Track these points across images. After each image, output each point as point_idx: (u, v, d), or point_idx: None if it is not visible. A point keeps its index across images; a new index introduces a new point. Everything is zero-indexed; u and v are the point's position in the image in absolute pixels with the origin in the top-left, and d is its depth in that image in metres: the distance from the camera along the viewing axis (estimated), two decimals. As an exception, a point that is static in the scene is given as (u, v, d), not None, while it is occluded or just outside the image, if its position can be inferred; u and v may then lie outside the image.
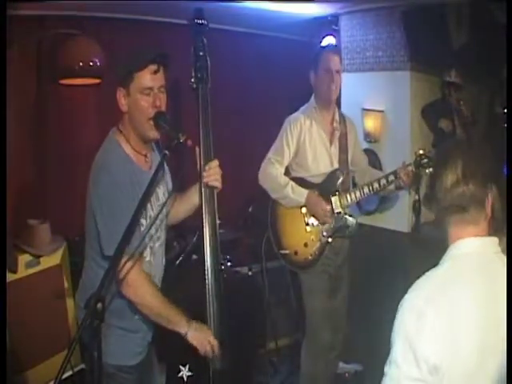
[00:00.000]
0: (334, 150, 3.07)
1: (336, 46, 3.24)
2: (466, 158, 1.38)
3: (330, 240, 3.01)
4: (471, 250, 1.36)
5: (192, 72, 2.06)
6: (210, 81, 2.07)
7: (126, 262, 1.70)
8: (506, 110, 3.07)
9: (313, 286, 3.07)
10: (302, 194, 2.96)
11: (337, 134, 3.09)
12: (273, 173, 2.98)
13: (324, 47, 3.34)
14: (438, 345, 1.24)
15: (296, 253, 3.02)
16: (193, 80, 2.06)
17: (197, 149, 2.03)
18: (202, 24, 2.08)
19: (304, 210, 3.01)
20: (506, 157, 1.69)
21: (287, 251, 3.03)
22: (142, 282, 1.86)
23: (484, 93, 3.61)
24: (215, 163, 2.03)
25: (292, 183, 2.98)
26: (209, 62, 2.08)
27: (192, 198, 2.13)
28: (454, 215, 1.38)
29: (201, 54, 2.06)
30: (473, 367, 1.26)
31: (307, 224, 3.02)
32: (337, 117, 3.12)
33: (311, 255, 3.00)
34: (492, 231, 1.38)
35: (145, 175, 1.91)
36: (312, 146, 3.03)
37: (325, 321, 3.06)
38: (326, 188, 3.01)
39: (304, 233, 3.02)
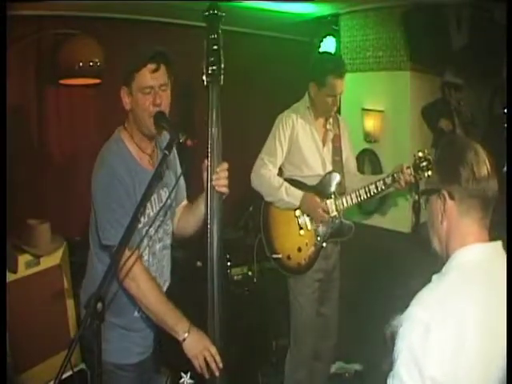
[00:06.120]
0: (327, 151, 2.97)
1: (342, 68, 2.83)
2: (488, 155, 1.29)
3: (324, 245, 2.92)
4: (478, 258, 1.26)
5: (204, 68, 1.90)
6: (222, 78, 1.91)
7: (128, 257, 1.70)
8: (506, 110, 3.08)
9: (301, 292, 2.97)
10: (296, 196, 2.86)
11: (330, 135, 2.99)
12: (266, 175, 2.86)
13: (331, 68, 2.83)
14: (444, 362, 1.18)
15: (289, 257, 2.91)
16: (204, 77, 1.91)
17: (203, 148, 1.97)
18: (218, 14, 1.90)
19: (298, 212, 2.91)
20: (506, 157, 1.70)
21: (280, 255, 2.91)
22: (144, 278, 1.84)
23: (484, 93, 3.61)
24: (225, 166, 1.92)
25: (286, 184, 2.87)
26: (222, 58, 1.91)
27: (201, 208, 2.01)
28: (473, 210, 1.27)
29: (215, 47, 1.90)
30: (477, 381, 1.22)
31: (301, 228, 2.92)
32: (330, 118, 3.00)
33: (305, 260, 2.91)
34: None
35: (147, 174, 1.90)
36: (304, 145, 2.92)
37: (310, 328, 2.98)
38: (321, 190, 2.92)
39: (297, 237, 2.92)
